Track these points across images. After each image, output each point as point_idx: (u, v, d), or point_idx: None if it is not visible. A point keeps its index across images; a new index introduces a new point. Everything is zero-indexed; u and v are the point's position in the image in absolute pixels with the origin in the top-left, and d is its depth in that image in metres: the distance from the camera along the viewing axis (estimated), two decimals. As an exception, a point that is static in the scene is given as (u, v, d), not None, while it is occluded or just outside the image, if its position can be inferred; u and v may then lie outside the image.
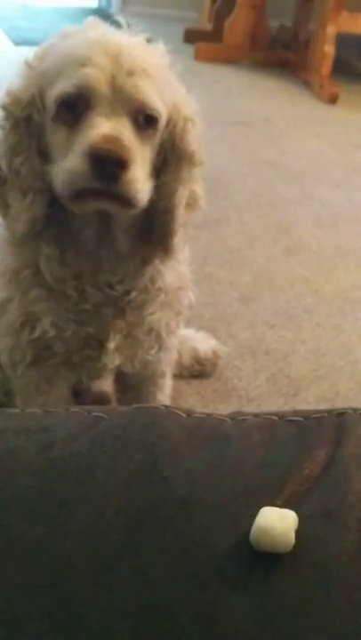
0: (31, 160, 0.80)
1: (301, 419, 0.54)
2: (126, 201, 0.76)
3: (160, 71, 0.79)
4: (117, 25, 0.82)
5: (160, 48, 0.81)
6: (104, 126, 0.74)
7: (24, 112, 0.79)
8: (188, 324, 1.38)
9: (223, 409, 1.24)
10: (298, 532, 0.43)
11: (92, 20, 0.82)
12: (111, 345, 0.91)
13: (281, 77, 3.37)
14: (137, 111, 0.76)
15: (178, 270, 0.94)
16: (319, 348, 1.45)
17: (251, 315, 1.53)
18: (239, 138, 2.57)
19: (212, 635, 0.41)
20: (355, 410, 0.55)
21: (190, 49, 3.46)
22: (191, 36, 3.66)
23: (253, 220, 1.97)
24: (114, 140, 0.73)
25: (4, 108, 0.80)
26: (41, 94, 0.78)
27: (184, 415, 0.55)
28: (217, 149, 2.34)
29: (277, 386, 1.33)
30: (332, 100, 3.06)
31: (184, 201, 0.86)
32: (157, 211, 0.83)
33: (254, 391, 1.31)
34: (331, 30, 3.09)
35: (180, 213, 0.85)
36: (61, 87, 0.75)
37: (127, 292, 0.88)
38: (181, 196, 0.85)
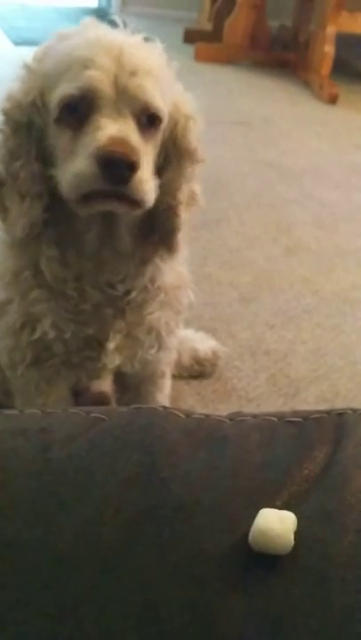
0: (30, 164, 0.80)
1: (301, 419, 0.53)
2: (135, 202, 0.76)
3: (161, 70, 0.79)
4: (114, 24, 0.82)
5: (158, 47, 0.81)
6: (111, 128, 0.73)
7: (26, 116, 0.79)
8: (187, 324, 1.38)
9: (223, 409, 1.24)
10: (297, 534, 0.43)
11: (88, 20, 0.82)
12: (111, 345, 0.91)
13: (281, 77, 3.37)
14: (141, 111, 0.76)
15: (177, 270, 0.94)
16: (319, 348, 1.45)
17: (250, 315, 1.53)
18: (239, 138, 2.57)
19: (210, 636, 0.41)
20: (354, 410, 0.55)
21: (190, 49, 3.46)
22: (191, 36, 3.66)
23: (253, 221, 1.97)
24: (122, 141, 0.73)
25: (6, 113, 0.80)
26: (42, 97, 0.78)
27: (183, 416, 0.54)
28: (217, 149, 2.34)
29: (277, 386, 1.32)
30: (332, 100, 3.06)
31: (186, 198, 0.86)
32: (160, 209, 0.83)
33: (254, 391, 1.31)
34: (331, 30, 3.09)
35: (183, 211, 0.85)
36: (64, 89, 0.75)
37: (128, 292, 0.88)
38: (184, 193, 0.85)
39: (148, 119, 0.77)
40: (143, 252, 0.87)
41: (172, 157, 0.83)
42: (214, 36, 3.61)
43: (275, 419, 0.54)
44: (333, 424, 0.52)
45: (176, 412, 0.55)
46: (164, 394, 1.11)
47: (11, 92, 0.80)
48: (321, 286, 1.67)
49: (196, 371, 1.32)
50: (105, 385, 1.14)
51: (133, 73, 0.75)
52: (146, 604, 0.42)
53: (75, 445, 0.50)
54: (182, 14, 4.09)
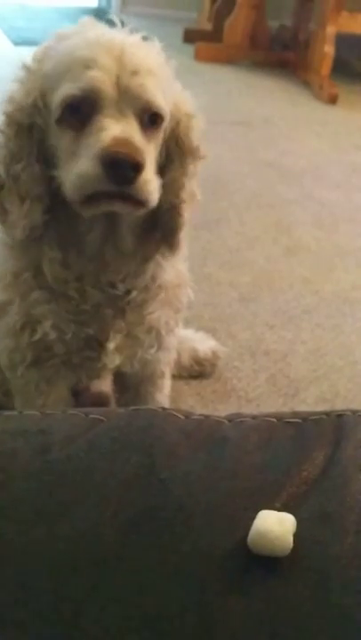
0: (31, 166, 0.79)
1: (300, 420, 0.53)
2: (139, 202, 0.77)
3: (161, 69, 0.79)
4: (111, 24, 0.82)
5: (156, 46, 0.81)
6: (114, 129, 0.73)
7: (28, 118, 0.78)
8: (187, 324, 1.38)
9: (222, 409, 1.24)
10: (296, 536, 0.43)
11: (86, 19, 0.82)
12: (111, 345, 0.91)
13: (281, 77, 3.37)
14: (143, 110, 0.76)
15: (177, 268, 0.94)
16: (319, 348, 1.45)
17: (250, 315, 1.53)
18: (239, 138, 2.57)
19: (210, 638, 0.41)
20: (354, 412, 0.55)
21: (190, 49, 3.46)
22: (191, 36, 3.66)
23: (253, 221, 1.96)
24: (126, 142, 0.73)
25: (8, 116, 0.79)
26: (43, 98, 0.78)
27: (182, 417, 0.54)
28: (217, 149, 2.34)
29: (277, 386, 1.32)
30: (332, 100, 3.06)
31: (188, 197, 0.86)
32: (164, 208, 0.84)
33: (254, 392, 1.31)
34: (330, 30, 3.09)
35: (186, 208, 0.86)
36: (66, 90, 0.75)
37: (128, 291, 0.88)
38: (187, 191, 0.85)
39: (149, 118, 0.77)
40: (145, 250, 0.87)
41: (174, 156, 0.84)
42: (214, 35, 3.61)
43: (274, 420, 0.54)
44: (333, 425, 0.52)
45: (175, 413, 0.55)
46: (164, 394, 1.11)
47: (11, 93, 0.80)
48: (321, 286, 1.67)
49: (196, 371, 1.32)
50: (105, 385, 1.14)
51: (135, 72, 0.75)
52: (145, 605, 0.42)
53: (74, 447, 0.50)
54: (182, 14, 4.09)
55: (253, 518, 0.43)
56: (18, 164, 0.79)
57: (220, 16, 3.60)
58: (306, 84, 3.27)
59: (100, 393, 1.15)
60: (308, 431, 0.52)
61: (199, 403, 1.26)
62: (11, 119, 0.79)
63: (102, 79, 0.74)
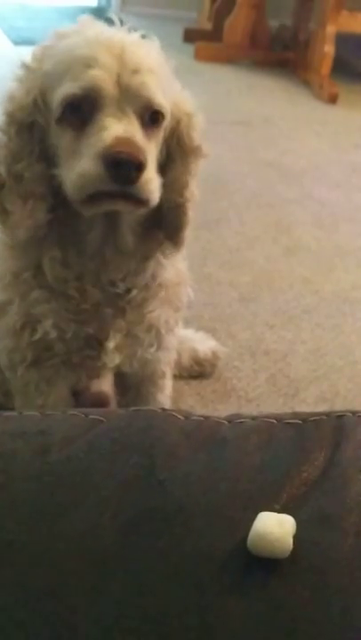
0: (34, 165, 0.79)
1: (300, 421, 0.53)
2: (141, 201, 0.76)
3: (161, 68, 0.79)
4: (110, 22, 0.82)
5: (155, 44, 0.81)
6: (116, 128, 0.73)
7: (29, 117, 0.78)
8: (187, 324, 1.38)
9: (222, 409, 1.24)
10: (296, 537, 0.43)
11: (85, 18, 0.82)
12: (111, 344, 0.91)
13: (281, 77, 3.37)
14: (144, 109, 0.76)
15: (176, 267, 0.94)
16: (319, 348, 1.45)
17: (250, 315, 1.53)
18: (239, 138, 2.57)
19: (210, 639, 0.40)
20: (354, 412, 0.55)
21: (190, 48, 3.46)
22: (191, 36, 3.65)
23: (253, 220, 1.96)
24: (128, 141, 0.73)
25: (9, 115, 0.79)
26: (43, 96, 0.78)
27: (182, 418, 0.54)
28: (216, 149, 2.34)
29: (277, 386, 1.32)
30: (332, 99, 3.05)
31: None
32: (167, 206, 0.84)
33: (254, 391, 1.31)
34: (330, 30, 3.09)
35: (191, 207, 0.86)
36: (67, 89, 0.75)
37: (129, 290, 0.88)
38: (191, 190, 0.86)
39: (150, 117, 0.77)
40: (145, 249, 0.87)
41: (176, 155, 0.84)
42: (214, 35, 3.61)
43: (274, 421, 0.54)
44: (333, 426, 0.52)
45: (175, 413, 0.55)
46: (165, 394, 1.11)
47: (11, 92, 0.80)
48: (321, 286, 1.67)
49: (196, 371, 1.32)
50: (105, 385, 1.14)
51: (136, 71, 0.75)
52: (145, 607, 0.42)
53: (73, 447, 0.50)
54: (182, 14, 4.08)
55: (253, 520, 0.43)
56: (20, 162, 0.79)
57: (220, 16, 3.59)
58: (306, 83, 3.27)
59: (100, 393, 1.15)
60: (307, 432, 0.52)
61: (199, 403, 1.26)
62: (11, 118, 0.79)
63: (103, 78, 0.74)
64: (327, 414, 0.54)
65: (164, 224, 0.86)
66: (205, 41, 3.55)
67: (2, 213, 0.82)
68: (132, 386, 1.08)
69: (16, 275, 0.88)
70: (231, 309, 1.54)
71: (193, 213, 0.87)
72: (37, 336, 0.89)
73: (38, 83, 0.78)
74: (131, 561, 0.43)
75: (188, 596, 0.42)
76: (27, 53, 0.82)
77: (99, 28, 0.80)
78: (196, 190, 0.88)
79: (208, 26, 3.76)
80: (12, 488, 0.48)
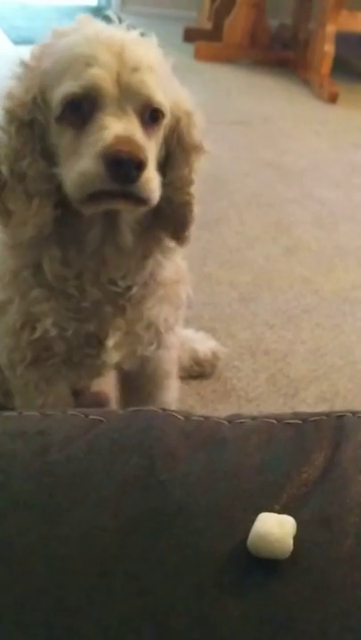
0: (37, 163, 0.79)
1: (300, 422, 0.53)
2: (141, 200, 0.76)
3: (161, 66, 0.79)
4: (108, 21, 0.82)
5: (154, 42, 0.81)
6: (116, 127, 0.73)
7: (29, 115, 0.78)
8: (187, 324, 1.37)
9: (222, 409, 1.24)
10: (296, 538, 0.43)
11: (83, 16, 0.82)
12: (110, 342, 0.91)
13: (281, 76, 3.37)
14: (144, 107, 0.76)
15: (176, 264, 0.94)
16: (319, 348, 1.45)
17: (250, 315, 1.53)
18: (239, 137, 2.57)
19: (209, 640, 0.40)
20: (354, 413, 0.55)
21: (190, 48, 3.46)
22: (191, 35, 3.65)
23: (253, 220, 1.96)
24: (128, 140, 0.73)
25: (9, 112, 0.79)
26: (42, 95, 0.78)
27: (182, 418, 0.54)
28: (216, 149, 2.32)
29: (277, 386, 1.32)
30: (332, 99, 3.05)
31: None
32: (173, 205, 0.84)
33: (254, 391, 1.31)
34: (330, 29, 3.09)
35: (195, 203, 0.87)
36: (67, 88, 0.75)
37: (129, 288, 0.88)
38: (195, 186, 0.86)
39: (150, 115, 0.77)
40: (144, 247, 0.87)
41: (178, 154, 0.84)
42: (214, 34, 3.61)
43: (274, 421, 0.54)
44: (333, 427, 0.52)
45: (175, 414, 0.55)
46: (171, 395, 1.10)
47: (10, 90, 0.80)
48: (321, 286, 1.67)
49: (196, 371, 1.32)
50: (105, 385, 1.14)
51: (135, 69, 0.75)
52: (144, 608, 0.42)
53: (73, 448, 0.50)
54: (182, 13, 4.08)
55: (253, 520, 0.43)
56: (23, 160, 0.79)
57: (219, 15, 3.59)
58: (306, 82, 3.26)
59: (100, 393, 1.15)
60: (307, 432, 0.52)
61: (199, 402, 1.26)
62: (12, 115, 0.79)
63: (103, 77, 0.74)
64: (327, 414, 0.54)
65: (170, 222, 0.86)
66: (205, 40, 3.55)
67: (3, 214, 0.82)
68: (138, 387, 1.08)
69: (15, 273, 0.88)
70: (231, 309, 1.54)
71: (197, 209, 0.88)
72: (37, 335, 0.89)
73: (37, 81, 0.78)
74: (130, 561, 0.43)
75: (188, 597, 0.42)
76: (27, 53, 0.82)
77: (98, 27, 0.80)
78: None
79: (208, 25, 3.76)
80: (12, 488, 0.48)
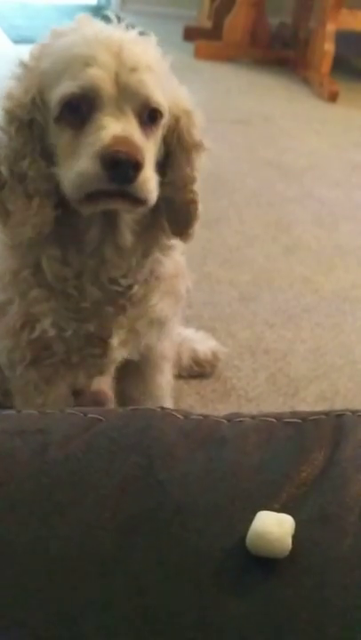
0: (37, 162, 0.79)
1: (299, 420, 0.53)
2: (139, 200, 0.77)
3: (159, 65, 0.79)
4: (107, 20, 0.82)
5: (153, 41, 0.81)
6: (114, 127, 0.73)
7: (28, 115, 0.78)
8: (187, 323, 1.38)
9: (222, 409, 1.24)
10: (295, 537, 0.43)
11: (82, 16, 0.82)
12: (115, 341, 0.91)
13: (281, 75, 3.36)
14: (142, 107, 0.76)
15: (174, 259, 0.95)
16: (319, 347, 1.45)
17: (250, 314, 1.53)
18: (239, 136, 2.57)
19: (208, 639, 0.40)
20: (353, 412, 0.54)
21: (190, 47, 3.45)
22: (191, 34, 3.65)
23: (253, 219, 1.96)
24: (126, 141, 0.73)
25: (8, 112, 0.79)
26: (41, 95, 0.78)
27: (181, 417, 0.54)
28: (216, 148, 2.32)
29: (277, 385, 1.32)
30: (332, 97, 3.05)
31: None
32: (177, 204, 0.85)
33: (253, 391, 1.30)
34: (330, 28, 3.08)
35: (199, 200, 0.87)
36: (65, 88, 0.75)
37: (130, 287, 0.88)
38: (197, 184, 0.86)
39: (149, 115, 0.77)
40: (144, 246, 0.87)
41: (178, 154, 0.84)
42: (214, 33, 3.60)
43: (273, 420, 0.53)
44: (332, 426, 0.52)
45: (174, 412, 0.55)
46: (165, 377, 1.10)
47: (10, 90, 0.80)
48: (321, 285, 1.67)
49: (196, 371, 1.32)
50: (103, 383, 1.14)
51: (134, 69, 0.75)
52: (144, 606, 0.42)
53: (71, 447, 0.50)
54: (182, 12, 4.08)
55: (252, 519, 0.43)
56: (23, 160, 0.79)
57: (219, 14, 3.59)
58: (306, 81, 3.26)
59: (99, 392, 1.15)
60: (307, 431, 0.52)
61: (199, 402, 1.26)
62: (11, 115, 0.79)
63: (102, 77, 0.74)
64: (327, 413, 0.54)
65: (173, 221, 0.86)
66: (205, 39, 3.55)
67: (2, 214, 0.82)
68: (133, 369, 1.08)
69: (15, 274, 0.88)
70: (231, 308, 1.54)
71: (201, 206, 0.88)
72: (36, 335, 0.89)
73: (36, 81, 0.78)
74: (129, 560, 0.43)
75: (187, 596, 0.42)
76: (26, 52, 0.82)
77: (97, 27, 0.80)
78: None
79: (208, 24, 3.76)
80: (11, 487, 0.48)
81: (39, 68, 0.78)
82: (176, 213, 0.86)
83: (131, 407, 0.56)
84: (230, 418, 0.55)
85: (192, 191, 0.86)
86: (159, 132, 0.80)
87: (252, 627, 0.40)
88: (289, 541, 0.42)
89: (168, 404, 1.12)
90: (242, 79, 3.29)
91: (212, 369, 1.33)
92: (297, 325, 1.51)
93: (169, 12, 4.09)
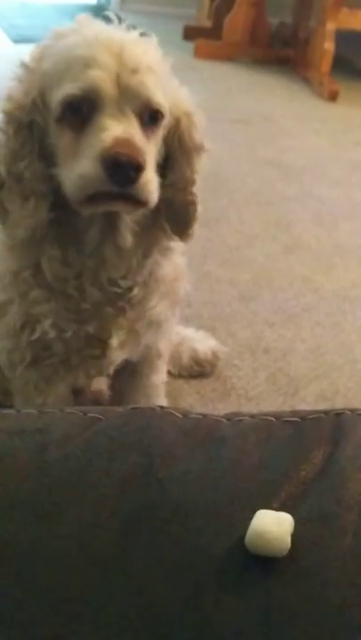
0: (34, 164, 0.79)
1: (298, 419, 0.53)
2: (140, 202, 0.77)
3: (160, 66, 0.79)
4: (108, 20, 0.82)
5: (154, 42, 0.81)
6: (115, 129, 0.73)
7: (28, 117, 0.78)
8: (187, 322, 1.38)
9: (222, 408, 1.24)
10: (294, 536, 0.43)
11: (82, 16, 0.82)
12: (115, 342, 0.91)
13: (281, 75, 3.36)
14: (143, 109, 0.76)
15: (174, 262, 0.95)
16: (319, 346, 1.45)
17: (250, 313, 1.53)
18: (239, 136, 2.57)
19: (208, 638, 0.40)
20: (353, 411, 0.54)
21: (190, 46, 3.45)
22: (191, 33, 3.65)
23: (253, 219, 1.96)
24: (127, 142, 0.73)
25: (7, 114, 0.79)
26: (42, 97, 0.78)
27: (180, 416, 0.54)
28: (216, 147, 2.31)
29: (277, 385, 1.32)
30: (332, 97, 3.05)
31: None
32: (177, 205, 0.85)
33: (253, 390, 1.30)
34: (330, 27, 3.08)
35: (198, 201, 0.87)
36: (67, 89, 0.75)
37: (130, 289, 0.88)
38: (197, 185, 0.86)
39: (149, 116, 0.77)
40: (144, 247, 0.87)
41: (179, 156, 0.84)
42: (214, 32, 3.60)
43: (273, 419, 0.53)
44: (332, 424, 0.52)
45: (173, 411, 0.55)
46: (160, 376, 1.11)
47: (10, 91, 0.80)
48: (321, 284, 1.67)
49: (196, 371, 1.32)
50: (102, 382, 1.14)
51: (135, 70, 0.75)
52: (143, 605, 0.42)
53: (71, 446, 0.50)
54: (182, 11, 4.08)
55: (251, 518, 0.43)
56: (20, 161, 0.79)
57: (219, 13, 3.59)
58: (306, 80, 3.26)
59: (100, 391, 1.15)
60: (306, 430, 0.52)
61: (199, 401, 1.26)
62: (10, 117, 0.79)
63: (103, 78, 0.74)
64: (326, 412, 0.54)
65: (173, 221, 0.87)
66: (205, 38, 3.54)
67: (1, 213, 0.82)
68: (128, 367, 1.08)
69: (15, 274, 0.88)
70: (231, 308, 1.54)
71: (201, 207, 0.88)
72: (36, 335, 0.89)
73: (37, 83, 0.78)
74: (129, 559, 0.43)
75: (187, 595, 0.42)
76: (26, 52, 0.82)
77: (97, 27, 0.80)
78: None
79: (208, 23, 3.75)
80: (10, 486, 0.48)
81: (40, 69, 0.78)
82: (175, 214, 0.86)
83: (130, 406, 0.56)
84: (230, 417, 0.55)
85: (192, 193, 0.86)
86: (160, 133, 0.80)
87: (251, 625, 0.40)
88: (288, 540, 0.42)
89: (162, 402, 1.12)
90: (242, 78, 3.29)
91: (212, 368, 1.33)
92: (297, 325, 1.51)
93: (169, 11, 4.09)
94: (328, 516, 0.44)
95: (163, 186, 0.80)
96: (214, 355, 1.32)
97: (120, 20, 0.82)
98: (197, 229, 0.90)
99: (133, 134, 0.74)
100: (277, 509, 0.44)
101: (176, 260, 0.95)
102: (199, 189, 0.88)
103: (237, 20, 3.45)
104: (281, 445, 0.50)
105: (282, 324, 1.50)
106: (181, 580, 0.42)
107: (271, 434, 0.51)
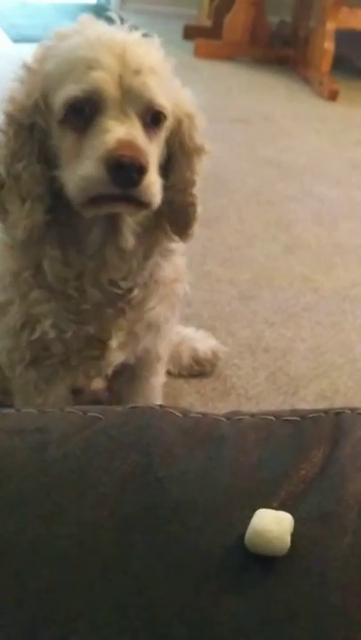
0: (33, 165, 0.79)
1: (298, 418, 0.53)
2: (143, 204, 0.77)
3: (162, 67, 0.79)
4: (110, 21, 0.82)
5: (156, 43, 0.81)
6: (118, 131, 0.73)
7: (29, 119, 0.78)
8: (187, 322, 1.38)
9: (222, 407, 1.24)
10: (294, 535, 0.43)
11: (85, 17, 0.82)
12: (114, 343, 0.91)
13: (281, 74, 3.36)
14: (146, 110, 0.76)
15: (174, 263, 0.95)
16: (319, 346, 1.45)
17: (250, 313, 1.53)
18: (238, 135, 2.57)
19: (207, 638, 0.40)
20: (353, 410, 0.54)
21: (190, 45, 3.45)
22: (190, 33, 3.64)
23: (253, 218, 1.96)
24: (130, 144, 0.73)
25: (9, 115, 0.79)
26: (44, 98, 0.78)
27: (180, 415, 0.54)
28: (216, 147, 2.31)
29: (277, 384, 1.32)
30: (332, 96, 3.05)
31: None
32: (177, 205, 0.85)
33: (253, 389, 1.30)
34: (330, 26, 3.08)
35: (198, 202, 0.88)
36: (69, 91, 0.75)
37: (130, 290, 0.88)
38: (197, 187, 0.87)
39: (152, 118, 0.77)
40: (145, 248, 0.87)
41: (180, 157, 0.84)
42: (214, 32, 3.60)
43: (272, 418, 0.53)
44: (331, 424, 0.52)
45: (173, 410, 0.55)
46: (159, 379, 1.11)
47: (12, 93, 0.80)
48: (321, 284, 1.67)
49: (196, 370, 1.32)
50: (100, 382, 1.14)
51: (137, 72, 0.75)
52: (142, 605, 0.42)
53: (70, 445, 0.50)
54: (182, 11, 4.07)
55: (251, 517, 0.43)
56: (19, 163, 0.79)
57: (219, 13, 3.58)
58: (306, 80, 3.26)
59: (99, 390, 1.15)
60: (306, 429, 0.52)
61: (199, 401, 1.26)
62: (11, 119, 0.79)
63: (105, 80, 0.73)
64: (326, 411, 0.54)
65: (172, 222, 0.87)
66: (205, 38, 3.54)
67: (1, 213, 0.82)
68: (126, 368, 1.08)
69: (16, 274, 0.88)
70: (231, 307, 1.54)
71: (200, 208, 0.89)
72: (36, 336, 0.89)
73: (39, 84, 0.78)
74: (129, 558, 0.43)
75: (186, 594, 0.42)
76: (26, 51, 0.82)
77: (100, 28, 0.79)
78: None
79: (208, 23, 3.75)
80: (10, 486, 0.48)
81: (42, 70, 0.78)
82: (175, 215, 0.86)
83: (130, 405, 0.56)
84: (229, 416, 0.55)
85: (192, 194, 0.86)
86: (162, 134, 0.80)
87: (251, 625, 0.40)
88: (288, 539, 0.42)
89: (160, 403, 1.12)
90: (242, 78, 3.29)
91: (212, 368, 1.33)
92: (297, 324, 1.51)
93: (169, 10, 4.08)
94: (328, 516, 0.44)
95: (164, 187, 0.80)
96: (214, 354, 1.32)
97: (122, 20, 0.82)
98: (197, 229, 0.90)
99: (136, 136, 0.74)
100: (277, 508, 0.44)
101: (176, 262, 0.95)
102: (199, 189, 0.88)
103: (237, 20, 3.45)
104: (281, 444, 0.50)
105: (282, 324, 1.50)
106: (181, 578, 0.42)
107: (271, 433, 0.51)
